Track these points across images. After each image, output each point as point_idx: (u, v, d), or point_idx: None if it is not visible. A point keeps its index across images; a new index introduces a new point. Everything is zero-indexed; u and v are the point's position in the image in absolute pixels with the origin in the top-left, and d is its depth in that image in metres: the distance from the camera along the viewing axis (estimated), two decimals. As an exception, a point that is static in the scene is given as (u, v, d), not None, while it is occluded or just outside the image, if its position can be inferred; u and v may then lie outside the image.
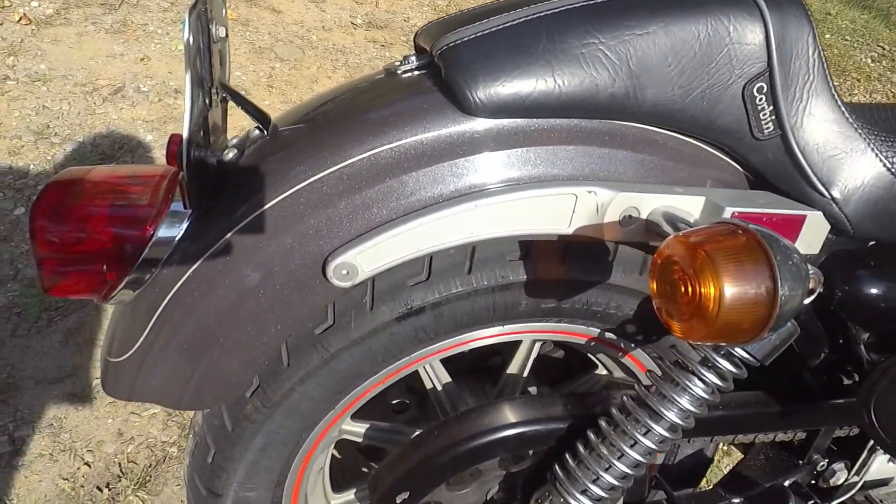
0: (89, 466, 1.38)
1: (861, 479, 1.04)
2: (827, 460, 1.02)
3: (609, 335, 0.87)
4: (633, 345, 0.89)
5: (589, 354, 0.99)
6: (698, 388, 0.70)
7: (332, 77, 2.65)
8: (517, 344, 0.94)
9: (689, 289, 0.53)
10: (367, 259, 0.65)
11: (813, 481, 1.03)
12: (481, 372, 1.07)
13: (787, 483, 1.01)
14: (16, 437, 1.40)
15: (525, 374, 0.96)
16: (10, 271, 1.70)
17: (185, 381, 0.69)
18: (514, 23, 0.66)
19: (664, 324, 0.58)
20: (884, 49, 3.90)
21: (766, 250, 0.51)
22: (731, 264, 0.50)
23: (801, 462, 1.01)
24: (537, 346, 0.94)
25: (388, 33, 2.99)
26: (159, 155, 2.13)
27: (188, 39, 0.56)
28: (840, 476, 1.02)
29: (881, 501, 1.13)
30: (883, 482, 1.10)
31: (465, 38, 0.66)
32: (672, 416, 0.71)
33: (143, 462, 1.40)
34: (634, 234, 0.69)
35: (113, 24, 2.62)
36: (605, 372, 1.01)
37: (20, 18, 2.50)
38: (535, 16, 0.66)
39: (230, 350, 0.69)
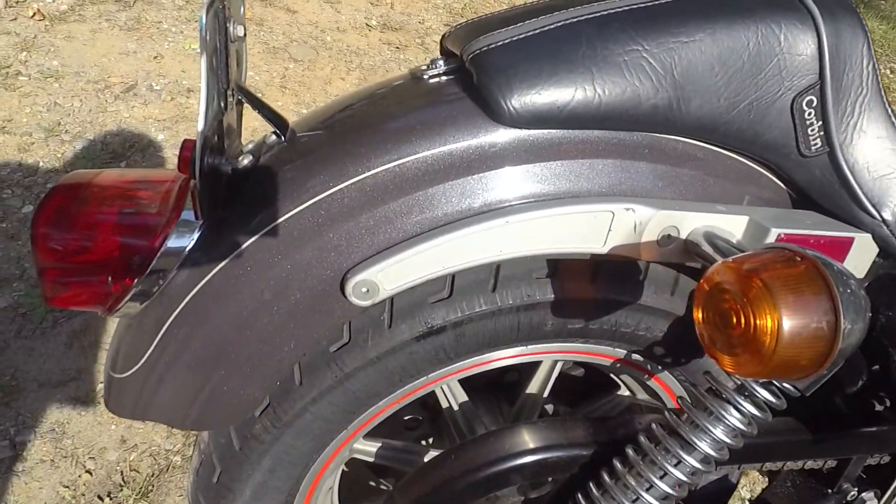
0: (91, 474, 1.35)
1: (891, 509, 1.00)
2: (857, 489, 0.98)
3: (636, 357, 0.83)
4: (661, 368, 0.84)
5: (612, 375, 0.95)
6: (734, 419, 0.66)
7: (345, 79, 2.61)
8: (537, 362, 0.90)
9: (742, 320, 0.48)
10: (388, 277, 0.61)
11: (841, 511, 0.99)
12: (497, 389, 1.03)
13: (815, 513, 0.97)
14: (17, 442, 1.37)
15: (545, 394, 0.92)
16: (16, 270, 1.67)
17: (192, 399, 0.66)
18: (552, 27, 0.62)
19: (710, 355, 0.54)
20: (904, 60, 3.83)
21: (828, 280, 0.47)
22: (790, 295, 0.46)
23: (830, 491, 0.97)
24: (559, 365, 0.90)
25: (402, 35, 2.95)
26: (171, 154, 2.10)
27: (205, 38, 0.52)
28: (870, 506, 0.98)
29: (912, 532, 1.09)
30: (914, 512, 1.05)
31: (499, 43, 0.61)
32: (705, 446, 0.67)
33: (145, 471, 1.37)
34: (672, 255, 0.65)
35: (127, 22, 2.59)
36: (627, 393, 0.97)
37: (34, 14, 2.48)
38: (574, 20, 0.61)
39: (241, 368, 0.65)
